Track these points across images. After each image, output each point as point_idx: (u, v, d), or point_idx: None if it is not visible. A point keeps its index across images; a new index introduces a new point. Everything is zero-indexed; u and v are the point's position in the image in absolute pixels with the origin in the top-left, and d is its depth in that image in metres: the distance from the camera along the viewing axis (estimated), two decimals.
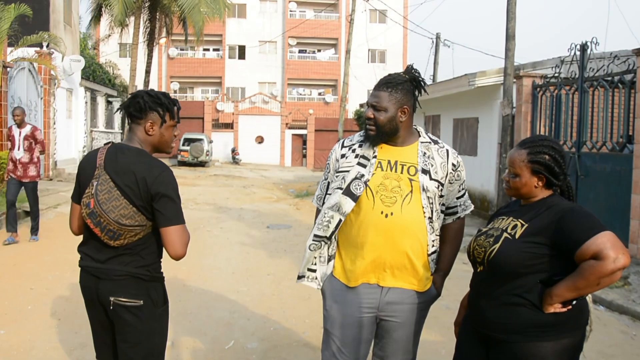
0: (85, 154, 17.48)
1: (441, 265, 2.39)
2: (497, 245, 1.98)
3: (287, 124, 31.80)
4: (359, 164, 2.32)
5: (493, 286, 2.00)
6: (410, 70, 2.33)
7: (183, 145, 25.40)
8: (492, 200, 10.60)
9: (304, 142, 31.97)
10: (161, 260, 2.28)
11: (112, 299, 2.16)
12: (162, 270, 2.29)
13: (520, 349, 1.93)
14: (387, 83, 2.28)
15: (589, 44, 7.70)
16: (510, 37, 9.25)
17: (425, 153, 2.32)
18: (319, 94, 38.37)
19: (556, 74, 8.42)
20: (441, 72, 22.91)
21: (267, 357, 3.82)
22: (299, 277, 2.48)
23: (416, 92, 2.34)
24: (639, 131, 6.58)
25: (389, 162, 2.30)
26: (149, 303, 2.20)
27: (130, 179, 2.10)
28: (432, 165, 2.31)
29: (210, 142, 27.06)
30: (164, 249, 2.22)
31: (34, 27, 12.89)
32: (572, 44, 7.92)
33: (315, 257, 2.42)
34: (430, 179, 2.28)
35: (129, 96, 2.26)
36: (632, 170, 6.65)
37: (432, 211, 2.29)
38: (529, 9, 74.19)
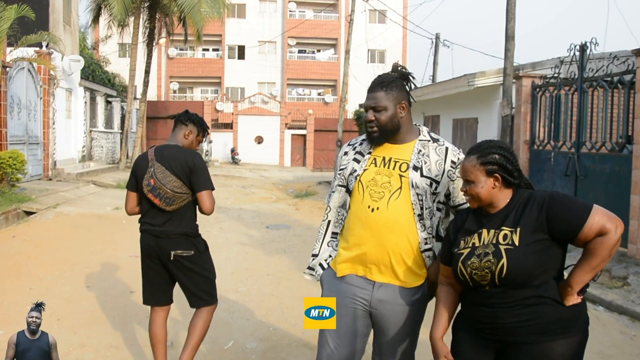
0: (84, 153, 17.51)
1: None
2: (504, 260, 1.91)
3: (286, 124, 31.77)
4: (354, 159, 2.42)
5: (507, 296, 1.95)
6: (397, 68, 2.40)
7: None
8: None
9: (304, 142, 31.95)
10: (197, 222, 3.20)
11: (172, 252, 3.05)
12: (199, 229, 3.22)
13: (545, 349, 1.91)
14: (381, 83, 2.33)
15: (588, 44, 7.70)
16: (509, 37, 9.26)
17: (420, 150, 2.34)
18: (319, 94, 38.37)
19: (555, 75, 8.42)
20: (441, 72, 22.85)
21: (266, 357, 3.82)
22: (310, 268, 2.58)
23: (407, 87, 2.40)
24: (638, 131, 6.58)
25: (383, 158, 2.36)
26: (197, 252, 3.13)
27: (176, 163, 3.05)
28: (425, 163, 2.31)
29: (210, 142, 27.03)
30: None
31: (33, 26, 12.87)
32: (571, 45, 7.92)
33: (330, 255, 2.50)
34: (422, 175, 2.29)
35: (183, 112, 3.27)
36: (632, 170, 6.66)
37: (421, 208, 2.28)
38: (528, 10, 74.35)
